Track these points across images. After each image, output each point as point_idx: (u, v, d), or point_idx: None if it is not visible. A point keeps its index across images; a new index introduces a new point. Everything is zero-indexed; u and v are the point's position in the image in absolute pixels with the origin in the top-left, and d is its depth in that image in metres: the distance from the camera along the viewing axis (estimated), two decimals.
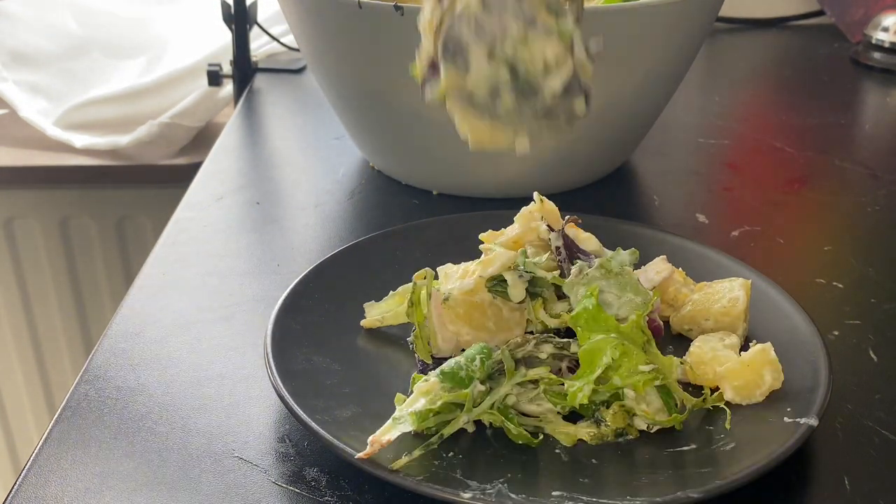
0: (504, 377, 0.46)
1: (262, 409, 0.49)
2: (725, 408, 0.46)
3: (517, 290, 0.49)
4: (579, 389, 0.44)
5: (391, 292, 0.53)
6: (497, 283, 0.49)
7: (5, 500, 0.43)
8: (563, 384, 0.45)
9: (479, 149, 0.43)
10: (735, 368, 0.46)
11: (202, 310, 0.59)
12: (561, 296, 0.50)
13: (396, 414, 0.42)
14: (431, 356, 0.49)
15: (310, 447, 0.46)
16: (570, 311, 0.48)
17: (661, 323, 0.51)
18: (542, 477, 0.42)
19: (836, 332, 0.56)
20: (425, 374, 0.47)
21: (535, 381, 0.46)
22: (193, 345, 0.55)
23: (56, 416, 0.49)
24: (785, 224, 0.72)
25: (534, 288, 0.50)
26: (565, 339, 0.47)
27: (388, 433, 0.41)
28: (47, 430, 0.47)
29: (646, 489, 0.40)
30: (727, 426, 0.44)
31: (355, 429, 0.44)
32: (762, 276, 0.55)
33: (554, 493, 0.40)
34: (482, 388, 0.44)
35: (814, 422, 0.43)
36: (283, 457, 0.45)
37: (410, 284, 0.51)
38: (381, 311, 0.53)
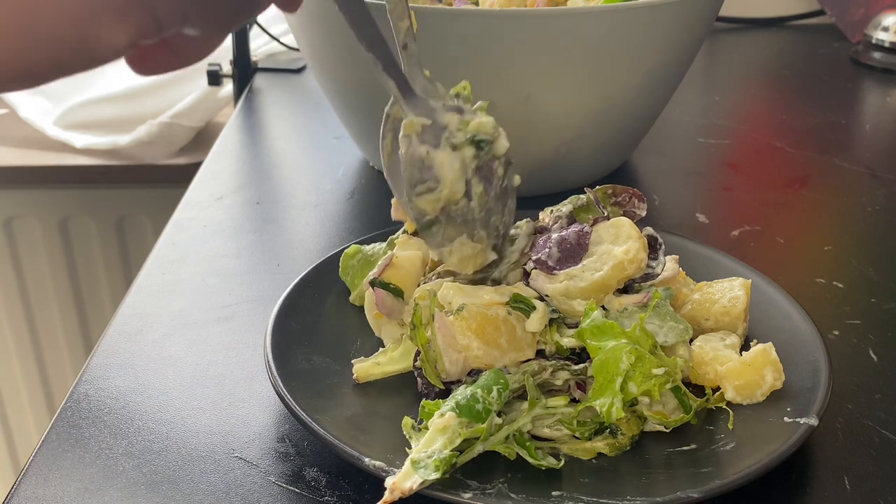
0: (518, 402, 0.45)
1: (261, 408, 0.49)
2: (727, 408, 0.46)
3: (540, 321, 0.47)
4: (611, 406, 0.42)
5: (380, 349, 0.51)
6: (519, 301, 0.47)
7: (5, 499, 0.43)
8: (581, 409, 0.44)
9: (466, 270, 0.49)
10: (736, 368, 0.46)
11: (202, 310, 0.59)
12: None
13: (415, 456, 0.40)
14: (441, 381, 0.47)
15: (310, 447, 0.46)
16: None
17: None
18: (541, 477, 0.42)
19: (836, 332, 0.56)
20: (430, 398, 0.46)
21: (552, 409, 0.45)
22: (193, 345, 0.55)
23: (56, 415, 0.49)
24: (785, 224, 0.72)
25: (555, 315, 0.48)
26: (581, 366, 0.46)
27: (408, 479, 0.39)
28: (47, 430, 0.47)
29: (646, 489, 0.40)
30: (730, 426, 0.44)
31: (355, 429, 0.44)
32: (762, 276, 0.55)
33: (554, 493, 0.40)
34: (498, 420, 0.43)
35: (814, 422, 0.43)
36: (282, 457, 0.45)
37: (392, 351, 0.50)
38: (375, 360, 0.50)
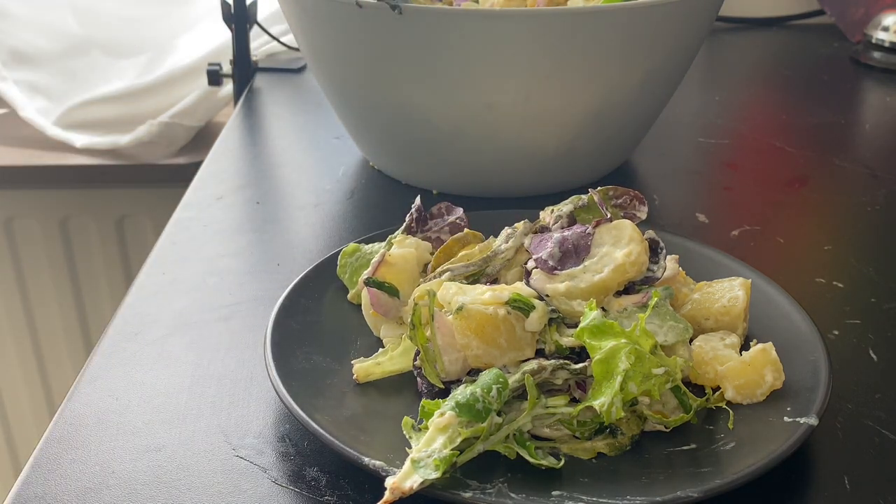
0: (518, 402, 0.45)
1: (262, 408, 0.49)
2: (727, 408, 0.46)
3: (539, 321, 0.47)
4: (611, 405, 0.42)
5: (380, 349, 0.51)
6: (517, 301, 0.47)
7: (5, 499, 0.43)
8: (581, 409, 0.44)
9: None
10: (736, 368, 0.46)
11: (202, 309, 0.59)
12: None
13: (415, 455, 0.40)
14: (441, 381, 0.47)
15: (310, 447, 0.46)
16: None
17: None
18: (541, 476, 0.42)
19: (836, 332, 0.56)
20: (431, 398, 0.46)
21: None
22: (193, 344, 0.55)
23: (56, 415, 0.49)
24: (785, 223, 0.72)
25: (554, 315, 0.48)
26: (581, 365, 0.45)
27: (409, 478, 0.39)
28: (47, 430, 0.47)
29: (645, 488, 0.40)
30: (730, 426, 0.44)
31: (355, 429, 0.44)
32: (762, 276, 0.55)
33: (554, 493, 0.40)
34: (498, 419, 0.43)
35: (814, 421, 0.43)
36: (283, 456, 0.45)
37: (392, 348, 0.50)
38: (375, 360, 0.49)
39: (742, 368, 0.46)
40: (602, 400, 0.42)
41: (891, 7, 1.18)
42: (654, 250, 0.51)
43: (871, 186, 0.78)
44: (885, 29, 1.14)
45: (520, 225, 0.53)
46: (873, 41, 1.15)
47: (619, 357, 0.43)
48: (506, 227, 0.54)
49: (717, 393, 0.47)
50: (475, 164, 0.71)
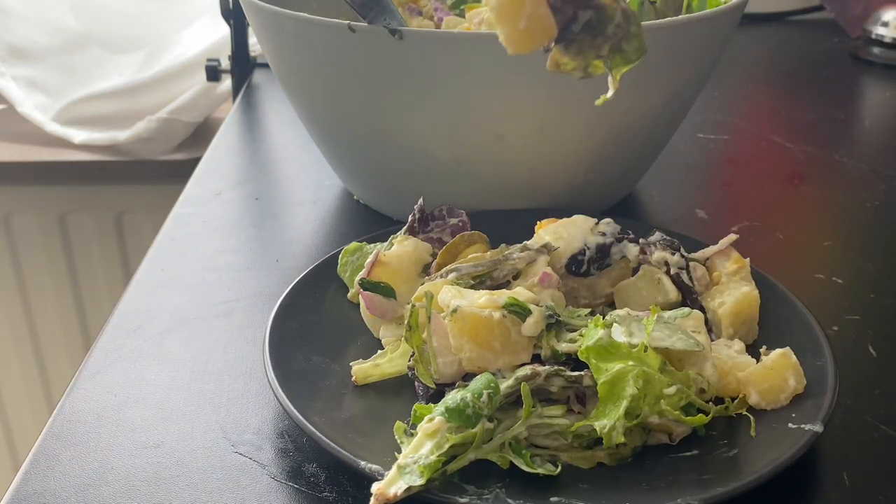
0: (513, 409, 0.43)
1: (260, 404, 0.49)
2: (749, 414, 0.44)
3: (536, 326, 0.46)
4: (612, 429, 0.41)
5: (379, 351, 0.50)
6: (514, 305, 0.46)
7: (4, 496, 0.43)
8: (580, 426, 0.43)
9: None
10: (759, 373, 0.45)
11: (201, 305, 0.58)
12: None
13: (401, 461, 0.39)
14: (434, 381, 0.46)
15: (309, 443, 0.46)
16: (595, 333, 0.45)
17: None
18: (540, 482, 0.41)
19: (836, 328, 0.56)
20: (426, 402, 0.45)
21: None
22: (192, 340, 0.55)
23: (55, 412, 0.49)
24: (784, 219, 0.72)
25: (552, 320, 0.47)
26: (576, 373, 0.44)
27: (394, 485, 0.38)
28: (46, 426, 0.47)
29: (645, 496, 0.40)
30: (752, 434, 0.43)
31: (353, 431, 0.43)
32: (770, 279, 0.54)
33: (552, 499, 0.39)
34: (490, 425, 0.42)
35: (818, 428, 0.42)
36: (282, 452, 0.45)
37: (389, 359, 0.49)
38: (374, 362, 0.49)
39: (765, 373, 0.45)
40: (604, 422, 0.41)
41: (890, 2, 1.18)
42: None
43: (870, 182, 0.78)
44: (885, 24, 1.14)
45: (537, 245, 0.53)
46: (873, 37, 1.15)
47: (627, 381, 0.42)
48: (525, 242, 0.53)
49: (738, 400, 0.46)
50: (477, 200, 0.63)
